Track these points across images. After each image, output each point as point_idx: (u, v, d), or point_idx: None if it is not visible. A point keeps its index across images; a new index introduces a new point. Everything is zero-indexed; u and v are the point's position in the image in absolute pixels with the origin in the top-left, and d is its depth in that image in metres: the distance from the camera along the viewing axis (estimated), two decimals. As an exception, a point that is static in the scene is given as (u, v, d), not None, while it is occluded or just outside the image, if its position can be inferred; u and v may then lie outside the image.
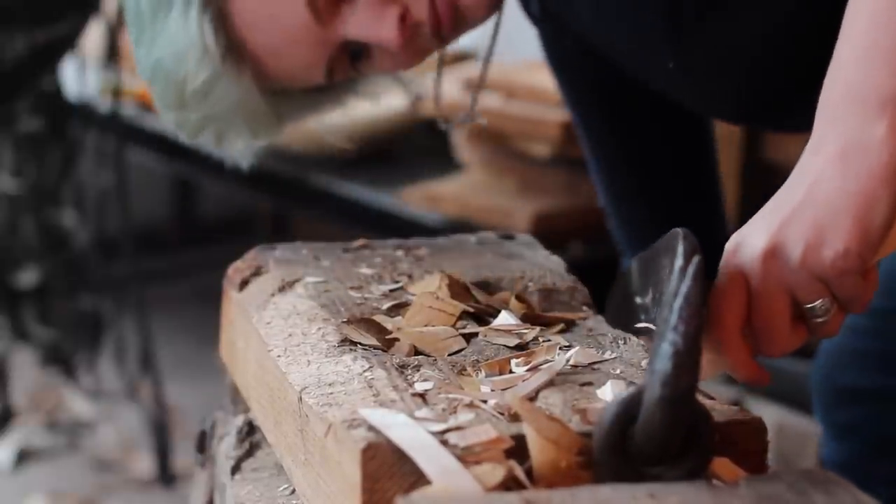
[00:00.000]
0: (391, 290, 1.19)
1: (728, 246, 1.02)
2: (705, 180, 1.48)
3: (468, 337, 1.10)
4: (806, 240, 0.99)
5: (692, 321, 0.89)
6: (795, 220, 1.00)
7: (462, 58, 3.13)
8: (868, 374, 1.50)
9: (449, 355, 1.06)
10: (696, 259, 0.92)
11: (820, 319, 1.02)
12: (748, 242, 1.01)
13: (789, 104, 1.26)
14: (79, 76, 2.82)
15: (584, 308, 1.18)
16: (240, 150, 1.30)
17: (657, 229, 1.40)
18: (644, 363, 1.03)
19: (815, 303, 1.01)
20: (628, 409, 0.90)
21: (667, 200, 1.47)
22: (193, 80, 1.21)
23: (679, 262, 0.96)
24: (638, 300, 1.08)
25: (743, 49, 1.21)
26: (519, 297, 1.16)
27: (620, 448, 0.89)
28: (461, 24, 1.24)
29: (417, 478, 0.89)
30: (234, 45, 1.20)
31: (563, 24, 1.36)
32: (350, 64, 1.23)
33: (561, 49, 1.45)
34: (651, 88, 1.35)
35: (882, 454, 1.51)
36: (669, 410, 0.88)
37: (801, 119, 1.32)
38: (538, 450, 0.89)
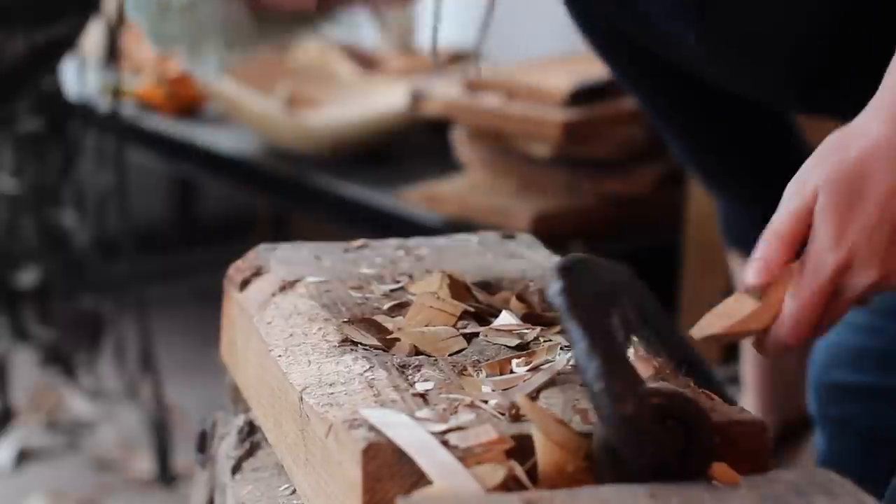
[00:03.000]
0: (392, 290, 1.19)
1: (796, 192, 1.02)
2: (774, 132, 1.48)
3: (469, 337, 1.10)
4: (875, 272, 1.01)
5: (592, 361, 0.89)
6: (870, 239, 1.00)
7: (462, 58, 3.13)
8: (864, 372, 1.51)
9: (450, 355, 1.06)
10: (557, 288, 0.91)
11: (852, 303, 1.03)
12: (822, 237, 1.00)
13: (814, 88, 1.26)
14: (79, 76, 2.82)
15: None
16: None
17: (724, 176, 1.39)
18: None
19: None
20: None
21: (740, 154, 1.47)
22: None
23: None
24: None
25: (766, 27, 1.21)
26: (520, 297, 1.16)
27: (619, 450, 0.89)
28: None
29: (418, 478, 0.89)
30: None
31: (588, 3, 1.37)
32: None
33: (591, 26, 1.45)
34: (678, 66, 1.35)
35: (874, 450, 1.51)
36: (624, 441, 0.88)
37: (825, 104, 1.31)
38: (544, 452, 0.89)
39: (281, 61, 3.04)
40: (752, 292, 1.04)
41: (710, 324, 1.06)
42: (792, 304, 1.02)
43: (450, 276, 1.17)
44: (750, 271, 1.03)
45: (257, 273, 1.25)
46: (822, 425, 1.56)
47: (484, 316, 1.14)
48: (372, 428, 0.91)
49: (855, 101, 1.09)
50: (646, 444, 0.88)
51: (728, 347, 2.35)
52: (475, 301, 1.16)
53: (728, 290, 2.31)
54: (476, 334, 1.10)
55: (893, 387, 1.50)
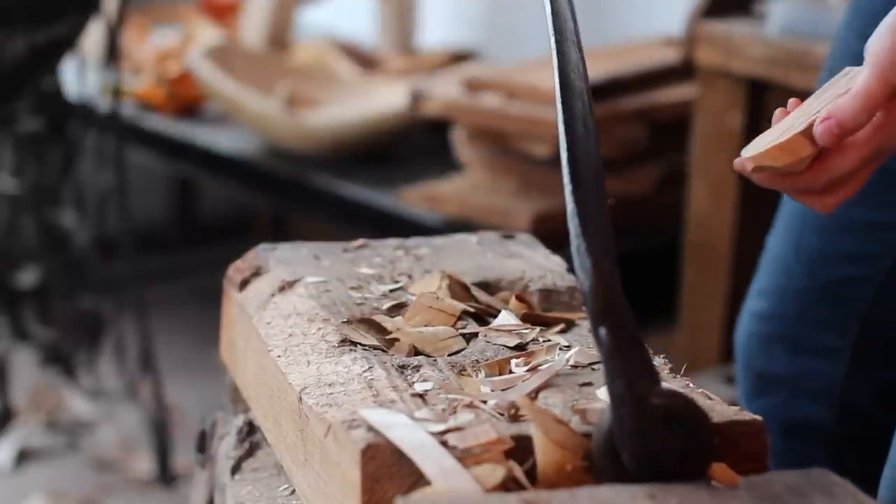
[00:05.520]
0: (391, 290, 1.19)
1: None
2: None
3: (468, 337, 1.10)
4: None
5: (627, 403, 0.89)
6: None
7: (462, 58, 3.13)
8: (776, 359, 1.50)
9: (449, 355, 1.06)
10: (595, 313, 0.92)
11: None
12: None
13: None
14: (79, 76, 2.82)
15: (584, 308, 1.18)
16: None
17: None
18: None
19: None
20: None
21: None
22: None
23: None
24: None
25: None
26: (519, 297, 1.16)
27: (618, 452, 0.89)
28: None
29: (417, 478, 0.89)
30: None
31: None
32: None
33: None
34: None
35: (792, 440, 1.51)
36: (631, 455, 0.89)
37: None
38: (544, 452, 0.89)
39: (281, 61, 3.04)
40: (808, 135, 1.05)
41: (770, 156, 1.05)
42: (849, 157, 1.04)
43: (449, 277, 1.17)
44: (823, 129, 1.03)
45: (257, 273, 1.25)
46: None
47: (483, 316, 1.14)
48: (371, 428, 0.91)
49: None
50: (651, 454, 0.88)
51: (728, 348, 2.35)
52: (474, 301, 1.16)
53: (728, 292, 2.31)
54: (475, 334, 1.10)
55: (801, 375, 1.49)
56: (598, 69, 2.51)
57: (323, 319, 1.12)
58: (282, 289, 1.19)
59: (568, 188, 0.97)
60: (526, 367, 1.03)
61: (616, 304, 0.91)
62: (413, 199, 2.58)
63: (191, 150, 3.00)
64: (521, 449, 0.90)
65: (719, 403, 0.98)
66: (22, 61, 2.54)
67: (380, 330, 1.10)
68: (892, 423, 1.39)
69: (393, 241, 1.30)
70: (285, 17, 3.19)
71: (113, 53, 2.72)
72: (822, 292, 1.46)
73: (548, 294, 1.19)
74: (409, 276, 1.21)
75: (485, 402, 0.96)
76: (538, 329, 1.10)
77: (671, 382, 1.01)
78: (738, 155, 1.09)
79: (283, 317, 1.14)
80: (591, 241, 0.94)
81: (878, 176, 1.12)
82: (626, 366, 0.89)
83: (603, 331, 0.90)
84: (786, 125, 1.07)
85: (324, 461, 0.96)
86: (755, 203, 2.27)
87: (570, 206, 0.97)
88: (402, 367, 1.03)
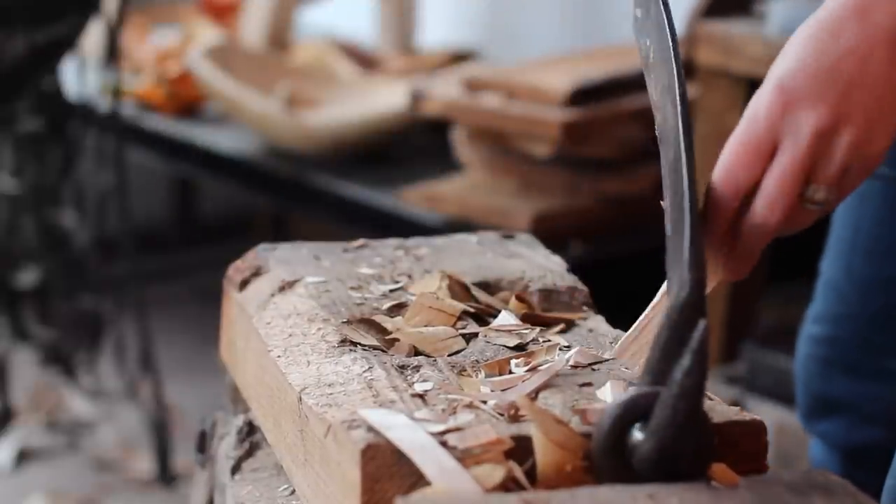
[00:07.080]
0: (391, 290, 1.19)
1: (772, 94, 0.98)
2: None
3: (468, 337, 1.10)
4: (857, 130, 0.96)
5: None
6: (851, 100, 0.95)
7: (462, 58, 3.13)
8: (835, 383, 1.50)
9: (449, 356, 1.06)
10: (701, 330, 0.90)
11: (813, 207, 0.99)
12: (803, 107, 0.96)
13: None
14: (79, 76, 2.82)
15: (584, 308, 1.18)
16: None
17: None
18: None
19: (823, 191, 0.98)
20: (628, 411, 0.90)
21: None
22: None
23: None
24: None
25: None
26: (519, 297, 1.16)
27: (619, 450, 0.89)
28: None
29: (417, 478, 0.89)
30: None
31: None
32: None
33: None
34: None
35: (854, 463, 1.51)
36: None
37: None
38: (543, 452, 0.89)
39: (281, 61, 3.04)
40: None
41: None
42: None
43: (449, 277, 1.17)
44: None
45: (257, 273, 1.25)
46: (812, 438, 1.56)
47: (483, 316, 1.14)
48: (371, 428, 0.91)
49: None
50: (677, 450, 0.88)
51: (728, 347, 2.35)
52: (474, 301, 1.16)
53: (728, 292, 2.31)
54: (475, 334, 1.10)
55: (861, 398, 1.49)
56: (598, 69, 2.51)
57: (323, 319, 1.12)
58: (282, 289, 1.19)
59: (685, 181, 0.96)
60: (526, 368, 1.03)
61: (706, 304, 0.92)
62: (413, 199, 2.58)
63: (191, 150, 3.00)
64: (521, 449, 0.90)
65: (719, 403, 0.98)
66: (22, 61, 2.54)
67: (380, 330, 1.10)
68: None
69: (393, 241, 1.30)
70: (285, 17, 3.19)
71: (113, 53, 2.72)
72: (877, 317, 1.45)
73: (548, 294, 1.19)
74: (409, 276, 1.21)
75: (485, 402, 0.96)
76: (538, 329, 1.10)
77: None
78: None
79: (283, 317, 1.14)
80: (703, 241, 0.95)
81: None
82: (703, 363, 0.89)
83: (703, 323, 0.89)
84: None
85: (324, 461, 0.96)
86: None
87: (686, 201, 0.96)
88: (402, 368, 1.03)
